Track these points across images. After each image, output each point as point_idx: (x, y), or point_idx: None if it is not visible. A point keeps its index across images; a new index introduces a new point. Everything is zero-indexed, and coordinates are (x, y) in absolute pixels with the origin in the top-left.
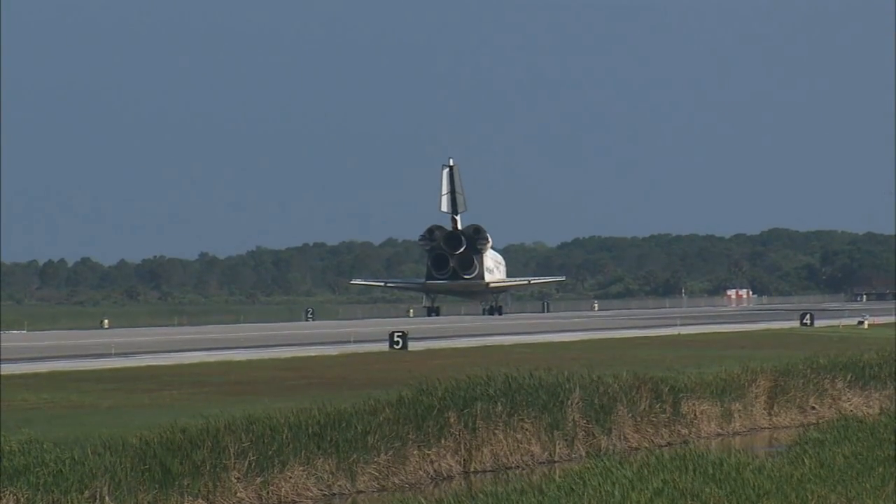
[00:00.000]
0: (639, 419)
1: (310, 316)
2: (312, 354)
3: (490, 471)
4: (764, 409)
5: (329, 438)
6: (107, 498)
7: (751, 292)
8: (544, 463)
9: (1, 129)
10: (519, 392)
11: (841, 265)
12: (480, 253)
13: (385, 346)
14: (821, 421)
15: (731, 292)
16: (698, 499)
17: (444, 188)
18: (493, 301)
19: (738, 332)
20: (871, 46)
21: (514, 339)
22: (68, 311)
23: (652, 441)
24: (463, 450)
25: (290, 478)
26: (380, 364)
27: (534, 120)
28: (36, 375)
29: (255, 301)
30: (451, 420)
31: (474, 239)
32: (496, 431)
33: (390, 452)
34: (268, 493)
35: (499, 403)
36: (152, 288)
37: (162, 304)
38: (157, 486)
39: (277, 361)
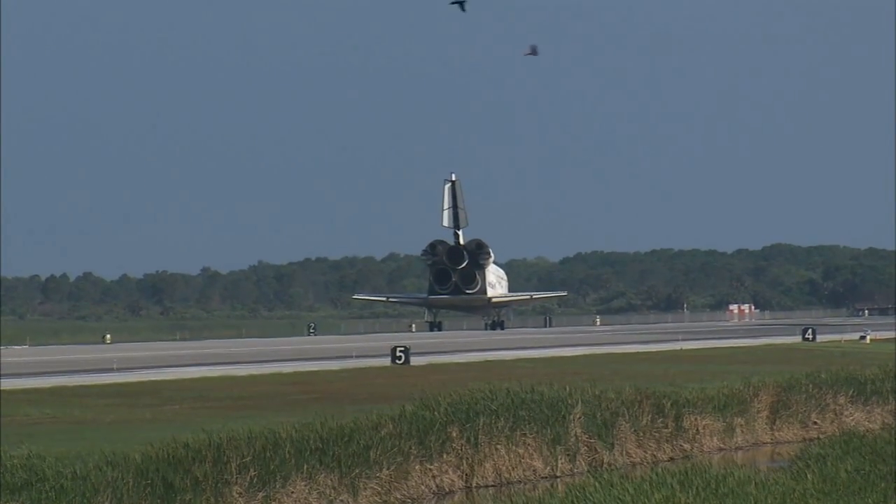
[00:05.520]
0: (641, 434)
1: (312, 331)
2: (315, 369)
3: (492, 486)
4: (766, 423)
5: (331, 453)
6: None
7: (753, 307)
8: (546, 478)
9: (2, 143)
10: (521, 407)
11: (843, 280)
12: (482, 268)
13: (387, 361)
14: (823, 436)
15: (734, 307)
16: None
17: (446, 203)
18: (495, 316)
19: (741, 347)
20: (871, 61)
21: (516, 354)
22: (70, 325)
23: (654, 456)
24: (465, 464)
25: (293, 493)
26: (382, 379)
27: (536, 135)
28: (38, 390)
29: (258, 316)
30: (454, 435)
31: (476, 254)
32: (498, 446)
33: (392, 467)
34: None
35: (501, 418)
36: (154, 303)
37: (164, 318)
38: (159, 501)
39: (280, 376)
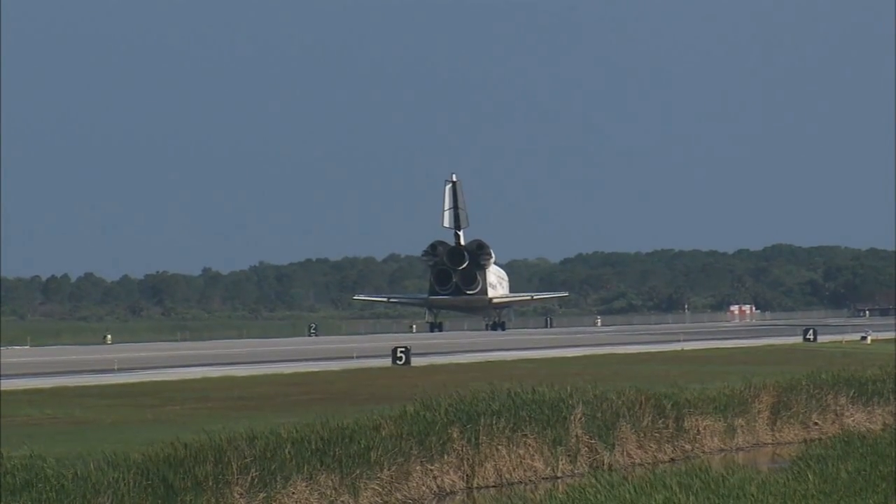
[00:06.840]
0: (642, 435)
1: (313, 331)
2: (315, 370)
3: (493, 486)
4: (767, 424)
5: (332, 454)
6: None
7: (754, 308)
8: (547, 479)
9: (1, 143)
10: (522, 407)
11: (844, 281)
12: (483, 268)
13: (388, 362)
14: (824, 437)
15: (734, 308)
16: None
17: (447, 204)
18: (496, 316)
19: (741, 348)
20: (871, 62)
21: (517, 355)
22: (71, 326)
23: (655, 457)
24: (466, 465)
25: (293, 493)
26: (383, 379)
27: (537, 136)
28: (39, 391)
29: (258, 316)
30: (454, 435)
31: (477, 254)
32: (499, 447)
33: (393, 468)
34: None
35: (502, 419)
36: (155, 303)
37: (165, 319)
38: (159, 501)
39: (280, 377)
